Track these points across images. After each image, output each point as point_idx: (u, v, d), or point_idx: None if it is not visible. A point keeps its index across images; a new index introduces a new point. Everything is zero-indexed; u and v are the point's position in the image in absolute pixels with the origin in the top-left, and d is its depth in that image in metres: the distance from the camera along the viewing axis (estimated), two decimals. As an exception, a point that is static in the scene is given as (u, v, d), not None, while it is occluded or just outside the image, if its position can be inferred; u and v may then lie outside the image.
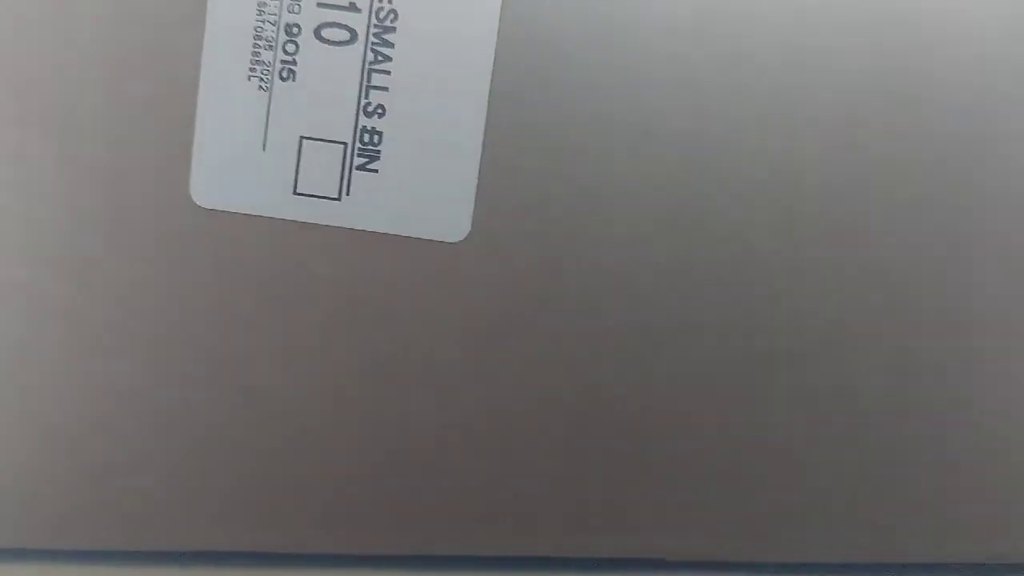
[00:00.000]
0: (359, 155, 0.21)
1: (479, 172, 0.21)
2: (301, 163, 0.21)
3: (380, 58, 0.21)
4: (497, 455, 0.22)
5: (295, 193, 0.21)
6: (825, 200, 0.22)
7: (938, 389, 0.23)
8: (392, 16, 0.20)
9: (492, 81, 0.21)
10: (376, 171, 0.21)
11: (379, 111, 0.21)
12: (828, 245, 0.22)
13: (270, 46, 0.20)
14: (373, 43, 0.21)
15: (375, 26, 0.20)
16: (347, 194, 0.21)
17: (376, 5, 0.20)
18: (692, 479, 0.23)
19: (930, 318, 0.23)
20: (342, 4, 0.20)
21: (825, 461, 0.23)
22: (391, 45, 0.21)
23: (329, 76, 0.21)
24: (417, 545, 0.22)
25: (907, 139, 0.22)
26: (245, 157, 0.21)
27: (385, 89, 0.21)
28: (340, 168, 0.21)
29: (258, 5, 0.20)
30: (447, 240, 0.21)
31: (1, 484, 0.21)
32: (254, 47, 0.20)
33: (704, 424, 0.23)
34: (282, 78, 0.21)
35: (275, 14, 0.20)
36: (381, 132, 0.21)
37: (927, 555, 0.24)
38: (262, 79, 0.21)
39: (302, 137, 0.21)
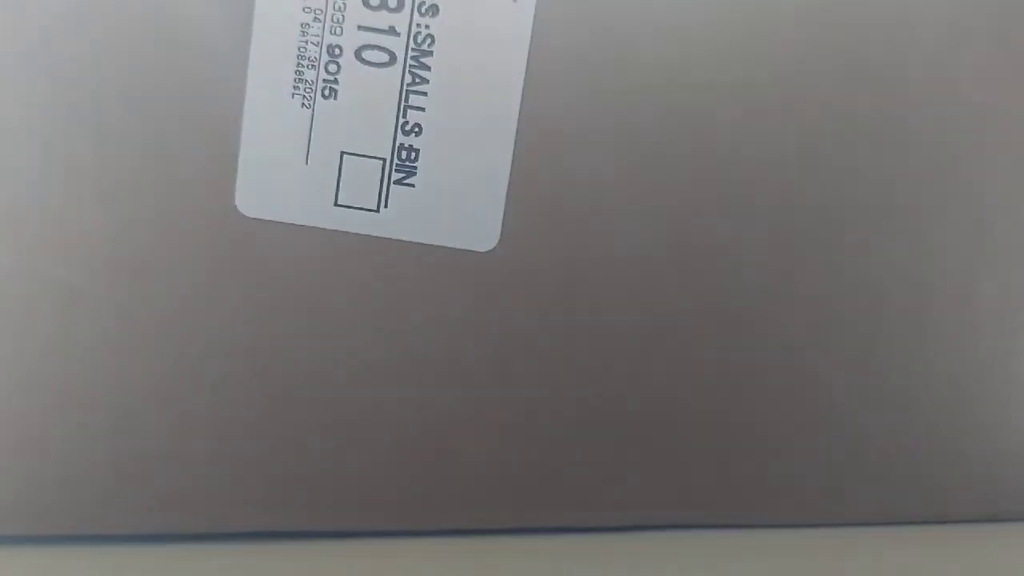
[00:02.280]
0: (397, 170, 0.22)
1: (508, 186, 0.23)
2: (342, 177, 0.22)
3: (417, 80, 0.22)
4: (521, 444, 0.24)
5: (336, 204, 0.22)
6: (823, 210, 0.24)
7: (899, 380, 0.26)
8: (429, 40, 0.22)
9: (522, 102, 0.22)
10: (413, 185, 0.22)
11: (416, 130, 0.22)
12: (826, 252, 0.24)
13: (313, 66, 0.22)
14: (411, 65, 0.22)
15: (413, 49, 0.22)
16: (385, 206, 0.22)
17: (415, 29, 0.22)
18: (692, 458, 0.25)
19: (898, 315, 0.25)
20: (382, 28, 0.22)
21: (808, 440, 0.26)
22: (428, 68, 0.22)
23: (369, 96, 0.22)
24: (453, 519, 0.25)
25: (896, 148, 0.24)
26: (289, 170, 0.22)
27: (422, 109, 0.22)
28: (379, 182, 0.22)
29: (301, 26, 0.22)
30: (478, 249, 0.23)
31: (41, 474, 0.23)
32: (297, 66, 0.22)
33: (710, 412, 0.25)
34: (324, 96, 0.22)
35: (318, 35, 0.22)
36: (418, 149, 0.22)
37: (886, 516, 0.27)
38: (305, 97, 0.22)
39: (343, 152, 0.22)
